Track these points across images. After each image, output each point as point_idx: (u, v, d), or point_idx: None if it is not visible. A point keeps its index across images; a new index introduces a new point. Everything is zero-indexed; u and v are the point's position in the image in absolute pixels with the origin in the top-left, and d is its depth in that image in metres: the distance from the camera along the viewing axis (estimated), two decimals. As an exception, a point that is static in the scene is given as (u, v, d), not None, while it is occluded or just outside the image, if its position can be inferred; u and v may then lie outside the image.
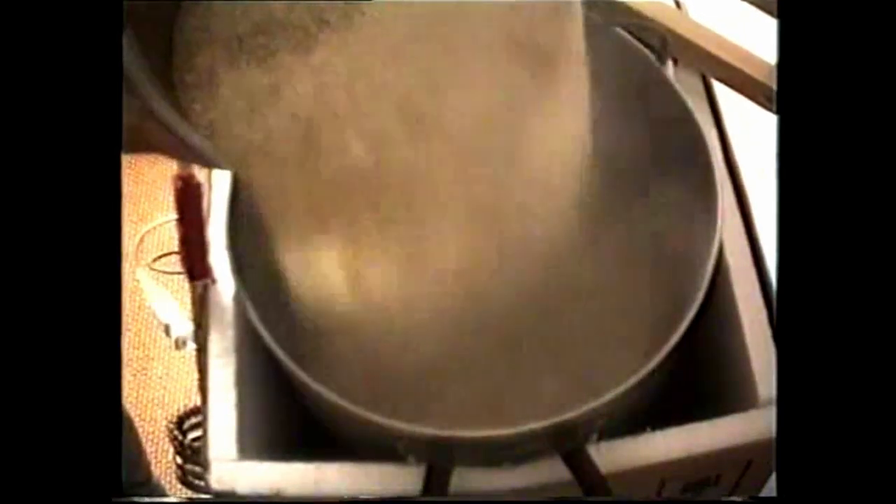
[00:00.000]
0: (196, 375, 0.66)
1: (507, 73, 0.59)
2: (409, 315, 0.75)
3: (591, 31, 0.66)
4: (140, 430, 1.11)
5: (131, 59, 0.45)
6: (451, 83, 0.56)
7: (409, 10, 0.53)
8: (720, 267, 0.64)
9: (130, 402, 1.27)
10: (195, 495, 0.85)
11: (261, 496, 0.58)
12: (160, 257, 1.27)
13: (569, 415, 0.56)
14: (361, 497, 0.59)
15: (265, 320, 0.60)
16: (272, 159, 0.54)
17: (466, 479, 0.58)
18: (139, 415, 1.27)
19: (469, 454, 0.59)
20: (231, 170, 0.60)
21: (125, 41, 0.44)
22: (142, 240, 1.33)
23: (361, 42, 0.52)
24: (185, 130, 0.49)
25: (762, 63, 0.70)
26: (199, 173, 0.63)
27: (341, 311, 0.69)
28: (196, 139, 0.50)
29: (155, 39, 0.49)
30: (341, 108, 0.53)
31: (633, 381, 0.56)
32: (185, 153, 0.53)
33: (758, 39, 0.71)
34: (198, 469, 0.81)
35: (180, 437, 0.86)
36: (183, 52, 0.51)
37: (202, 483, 0.65)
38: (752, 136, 0.71)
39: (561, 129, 0.65)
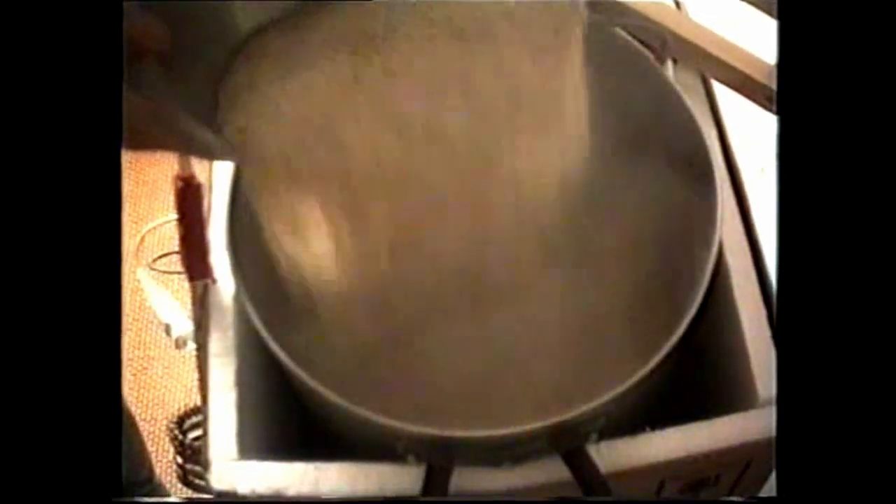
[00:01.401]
0: (196, 375, 0.66)
1: (506, 72, 0.60)
2: (412, 314, 0.75)
3: (591, 31, 0.66)
4: (140, 430, 1.11)
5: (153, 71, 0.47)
6: (451, 84, 0.58)
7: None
8: (720, 267, 0.64)
9: (130, 402, 1.27)
10: (195, 495, 0.85)
11: (261, 496, 0.59)
12: (160, 257, 1.27)
13: (569, 415, 0.56)
14: (361, 497, 0.59)
15: (265, 320, 0.60)
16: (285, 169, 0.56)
17: (466, 479, 0.58)
18: (139, 415, 1.27)
19: (469, 454, 0.59)
20: (236, 163, 0.61)
21: (152, 68, 0.46)
22: (142, 240, 1.33)
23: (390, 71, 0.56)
24: (191, 126, 0.50)
25: (762, 63, 0.70)
26: (200, 174, 0.63)
27: (342, 310, 0.70)
28: (202, 133, 0.51)
29: (201, 93, 0.51)
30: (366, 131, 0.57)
31: (633, 381, 0.56)
32: (190, 148, 0.55)
33: (758, 39, 0.71)
34: (198, 469, 0.81)
35: (180, 437, 0.86)
36: (227, 105, 0.53)
37: (203, 483, 0.65)
38: (752, 136, 0.71)
39: (559, 129, 0.65)
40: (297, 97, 0.55)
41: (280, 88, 0.55)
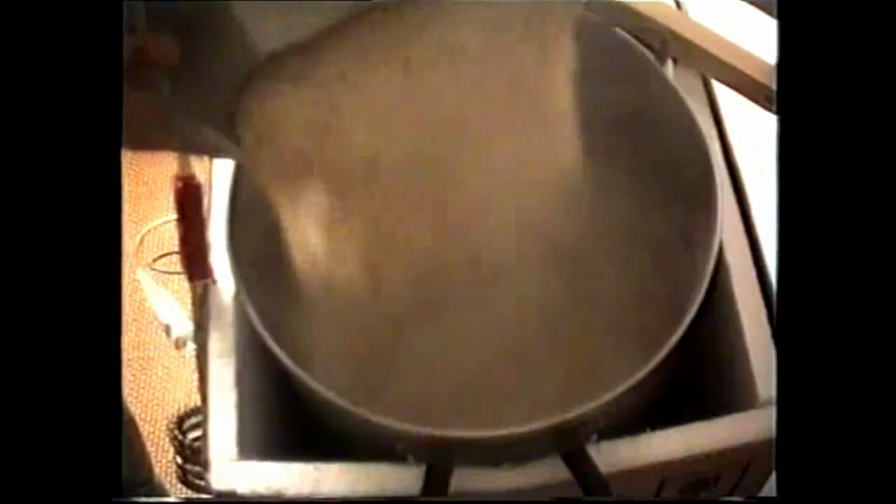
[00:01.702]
0: (196, 375, 0.66)
1: (508, 70, 0.60)
2: (413, 315, 0.75)
3: (591, 30, 0.66)
4: (140, 430, 1.11)
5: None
6: (451, 91, 0.59)
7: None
8: (720, 267, 0.64)
9: (130, 402, 1.27)
10: (195, 495, 0.85)
11: (261, 496, 0.58)
12: (160, 257, 1.27)
13: (569, 415, 0.56)
14: (361, 497, 0.58)
15: (265, 320, 0.59)
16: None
17: (466, 479, 0.58)
18: (139, 415, 1.27)
19: (469, 454, 0.59)
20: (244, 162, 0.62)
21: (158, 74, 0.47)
22: (142, 240, 1.33)
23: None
24: (194, 125, 0.51)
25: (762, 63, 0.70)
26: (200, 174, 0.63)
27: (343, 309, 0.70)
28: (205, 132, 0.52)
29: (211, 102, 0.52)
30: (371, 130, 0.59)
31: (633, 381, 0.56)
32: (193, 147, 0.56)
33: (758, 39, 0.71)
34: (198, 469, 0.81)
35: (180, 437, 0.86)
36: (242, 121, 0.55)
37: (202, 483, 0.65)
38: (752, 136, 0.71)
39: (558, 126, 0.65)
40: (311, 113, 0.57)
41: (295, 104, 0.56)
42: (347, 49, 0.56)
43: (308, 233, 0.62)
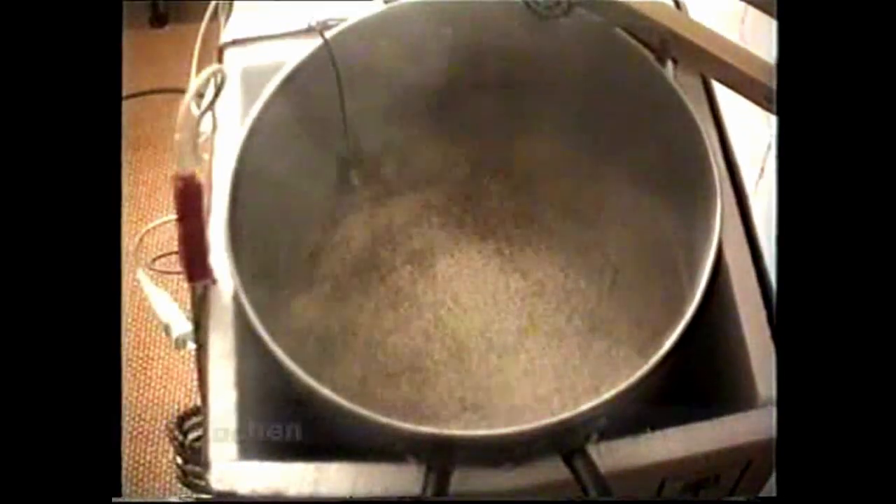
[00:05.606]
0: (196, 375, 0.66)
1: None
2: (415, 314, 0.75)
3: (591, 30, 0.66)
4: (140, 430, 1.11)
5: None
6: None
7: None
8: (720, 267, 0.64)
9: (130, 402, 1.27)
10: (195, 495, 0.85)
11: (261, 496, 0.58)
12: (160, 257, 1.27)
13: (569, 415, 0.56)
14: (361, 497, 0.58)
15: (265, 320, 0.59)
16: None
17: (466, 479, 0.58)
18: (139, 415, 1.27)
19: (469, 454, 0.59)
20: None
21: None
22: (141, 240, 1.33)
23: None
24: None
25: (762, 63, 0.70)
26: (200, 174, 0.63)
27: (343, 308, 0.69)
28: None
29: None
30: None
31: (633, 380, 0.56)
32: None
33: (758, 39, 0.71)
34: (198, 469, 0.80)
35: (180, 437, 0.86)
36: None
37: (202, 483, 0.65)
38: (752, 136, 0.71)
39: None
40: None
41: None
42: None
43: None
